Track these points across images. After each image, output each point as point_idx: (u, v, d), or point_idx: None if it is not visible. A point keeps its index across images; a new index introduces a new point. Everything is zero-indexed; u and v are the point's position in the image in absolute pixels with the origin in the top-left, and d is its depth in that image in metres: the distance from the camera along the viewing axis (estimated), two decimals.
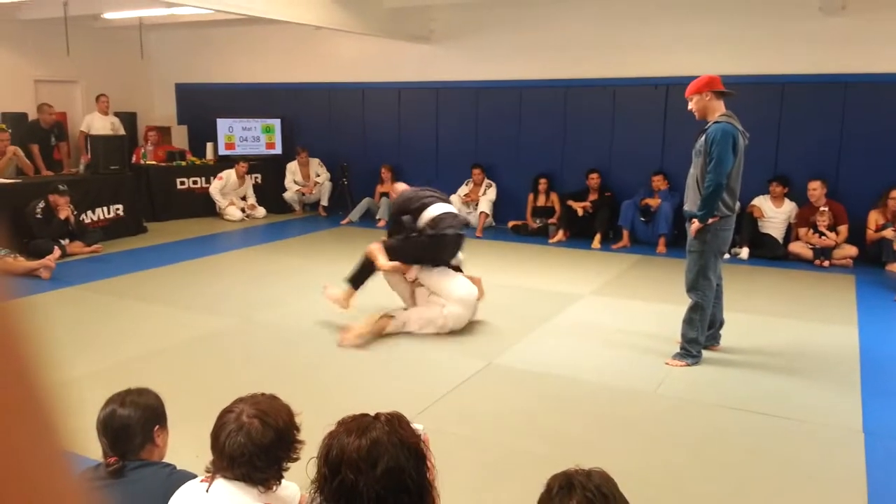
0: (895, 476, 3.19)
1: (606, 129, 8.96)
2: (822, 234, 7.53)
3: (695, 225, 4.41)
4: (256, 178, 10.49)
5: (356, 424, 1.51)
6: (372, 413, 1.56)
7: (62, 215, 7.43)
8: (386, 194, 9.91)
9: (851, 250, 7.43)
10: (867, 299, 6.15)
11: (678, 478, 3.17)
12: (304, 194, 10.47)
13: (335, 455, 1.46)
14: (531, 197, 9.16)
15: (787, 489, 3.10)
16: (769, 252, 7.71)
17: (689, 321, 4.53)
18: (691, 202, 4.49)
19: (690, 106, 4.47)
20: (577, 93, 9.06)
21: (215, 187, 9.86)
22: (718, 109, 4.40)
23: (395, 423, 1.52)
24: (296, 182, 10.45)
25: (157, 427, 2.09)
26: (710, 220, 4.36)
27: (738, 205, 4.54)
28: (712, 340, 4.75)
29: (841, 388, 4.19)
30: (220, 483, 1.77)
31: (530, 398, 4.03)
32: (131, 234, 8.65)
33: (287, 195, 10.44)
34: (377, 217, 9.67)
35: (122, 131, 10.14)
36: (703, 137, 4.39)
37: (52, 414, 0.31)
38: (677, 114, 8.07)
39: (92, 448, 2.07)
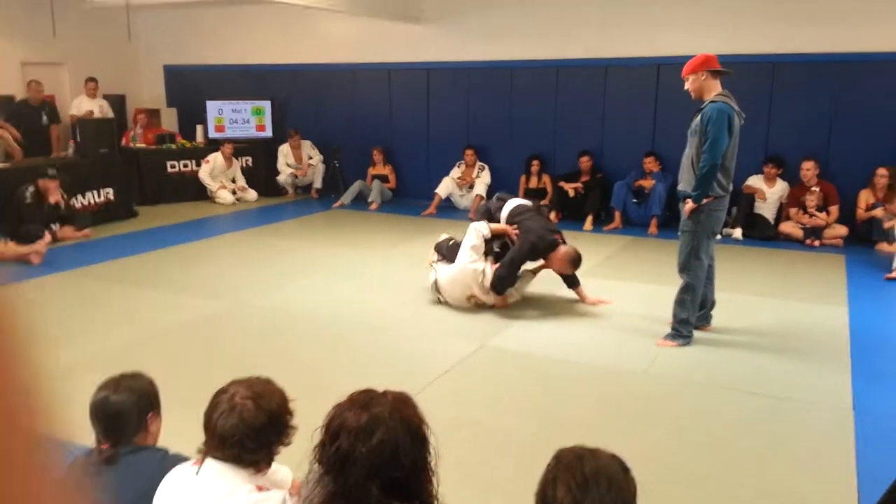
0: (884, 454, 3.23)
1: (598, 109, 8.92)
2: (811, 214, 7.56)
3: (689, 205, 4.40)
4: (247, 160, 10.41)
5: (363, 398, 1.55)
6: (381, 391, 1.60)
7: (52, 200, 7.37)
8: (378, 176, 9.87)
9: (842, 230, 7.46)
10: (857, 278, 6.19)
11: (669, 456, 3.20)
12: (297, 177, 10.40)
13: (337, 424, 1.50)
14: (524, 178, 9.13)
15: (778, 467, 3.14)
16: (760, 232, 7.74)
17: (680, 302, 4.55)
18: (686, 182, 4.47)
19: (687, 85, 4.44)
20: (568, 73, 9.00)
21: (204, 171, 9.79)
22: (715, 89, 4.37)
23: (400, 402, 1.55)
24: (288, 165, 10.38)
25: (150, 413, 2.09)
26: (705, 201, 4.35)
27: (731, 185, 4.54)
28: (703, 321, 4.77)
29: (831, 367, 4.22)
30: (210, 464, 1.78)
31: (523, 379, 4.05)
32: (122, 218, 8.59)
33: (281, 178, 10.36)
34: (369, 200, 9.62)
35: (110, 114, 10.03)
36: (698, 117, 4.37)
37: (39, 401, 0.31)
38: (669, 94, 8.05)
39: (85, 433, 2.07)
